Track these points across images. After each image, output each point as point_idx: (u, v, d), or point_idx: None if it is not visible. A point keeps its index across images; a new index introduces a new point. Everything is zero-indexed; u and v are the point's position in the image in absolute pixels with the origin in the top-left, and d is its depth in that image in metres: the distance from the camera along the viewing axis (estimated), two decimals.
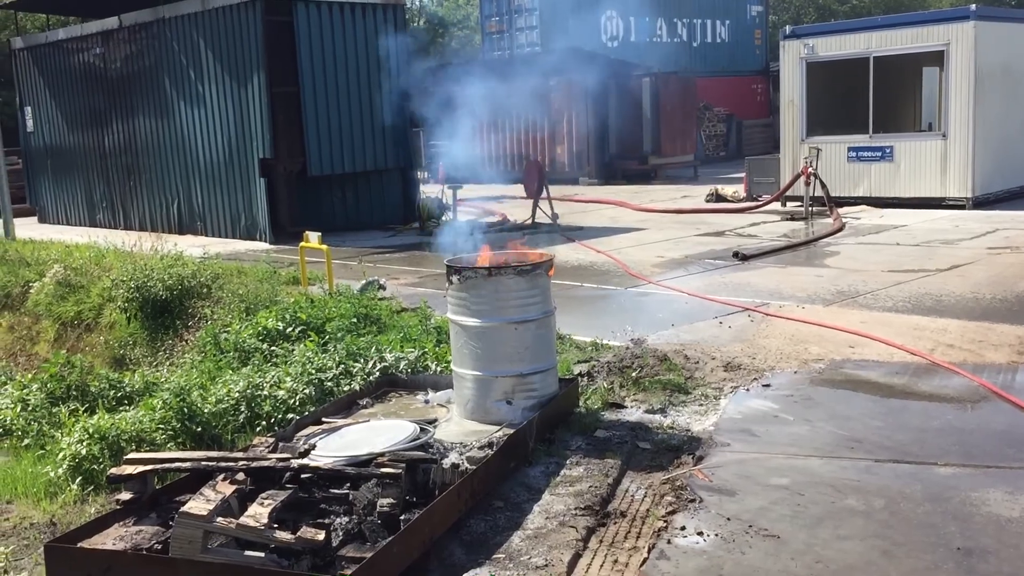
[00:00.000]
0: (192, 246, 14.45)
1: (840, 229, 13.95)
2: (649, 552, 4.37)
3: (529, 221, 16.17)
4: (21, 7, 26.48)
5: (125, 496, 4.64)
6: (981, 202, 15.74)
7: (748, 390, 6.65)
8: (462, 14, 49.33)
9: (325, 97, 16.01)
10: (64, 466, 5.96)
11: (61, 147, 21.04)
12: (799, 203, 16.26)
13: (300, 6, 15.65)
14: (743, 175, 19.18)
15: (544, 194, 16.08)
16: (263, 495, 4.34)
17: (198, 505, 4.12)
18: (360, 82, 16.45)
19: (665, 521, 4.66)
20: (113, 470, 4.73)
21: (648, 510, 4.87)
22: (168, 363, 9.79)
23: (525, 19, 30.86)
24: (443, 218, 16.82)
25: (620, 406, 6.46)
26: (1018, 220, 14.06)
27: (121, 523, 4.52)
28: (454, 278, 6.00)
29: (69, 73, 20.38)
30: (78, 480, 5.86)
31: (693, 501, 4.87)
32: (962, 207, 15.56)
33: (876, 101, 16.54)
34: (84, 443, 6.02)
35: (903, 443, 5.51)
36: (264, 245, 15.61)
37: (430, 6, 53.75)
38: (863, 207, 16.28)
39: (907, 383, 6.64)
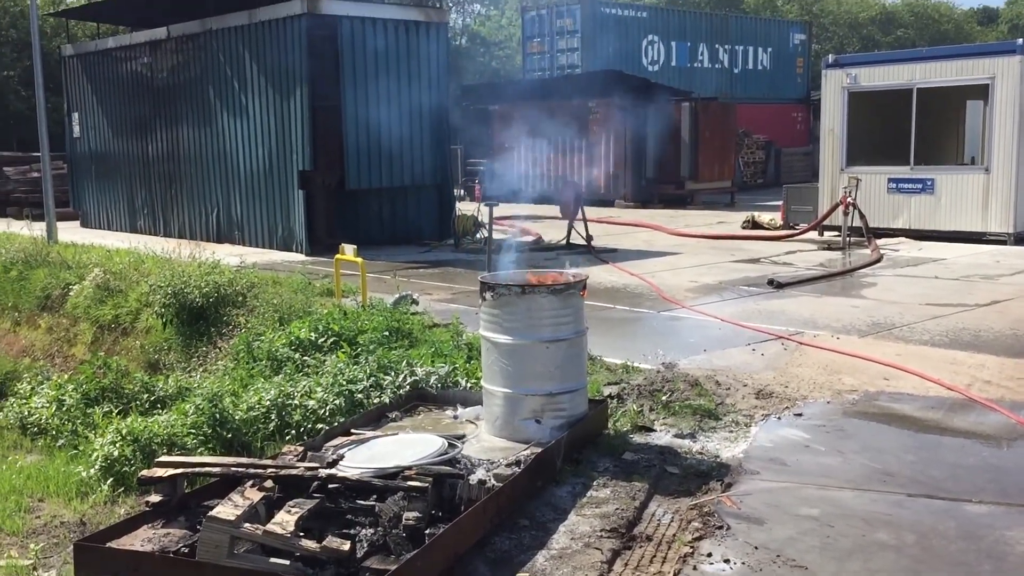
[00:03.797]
0: (229, 255, 14.61)
1: (878, 260, 13.81)
2: None
3: (564, 241, 16.18)
4: (73, 16, 27.10)
5: (155, 498, 4.69)
6: (1023, 238, 15.51)
7: (780, 418, 6.59)
8: (504, 34, 49.66)
9: (366, 112, 16.15)
10: (96, 466, 6.03)
11: (105, 153, 21.40)
12: (837, 233, 16.13)
13: (344, 21, 15.83)
14: (781, 203, 19.06)
15: (580, 215, 16.08)
16: (290, 503, 4.37)
17: (226, 510, 4.15)
18: (400, 98, 16.58)
19: (691, 547, 4.62)
20: (144, 472, 4.78)
21: (675, 535, 4.83)
22: (201, 369, 9.88)
23: (567, 40, 31.00)
24: (478, 236, 16.89)
25: (649, 429, 6.42)
26: None
27: (150, 525, 4.56)
28: (487, 295, 6.01)
29: (116, 81, 20.75)
30: (109, 481, 5.93)
31: (720, 528, 4.82)
32: (1003, 243, 15.34)
33: (918, 133, 16.39)
34: (117, 444, 6.09)
35: (937, 478, 5.42)
36: (300, 256, 15.75)
37: (473, 25, 54.18)
38: (902, 239, 16.12)
39: (942, 418, 6.54)
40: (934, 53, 17.36)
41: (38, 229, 17.74)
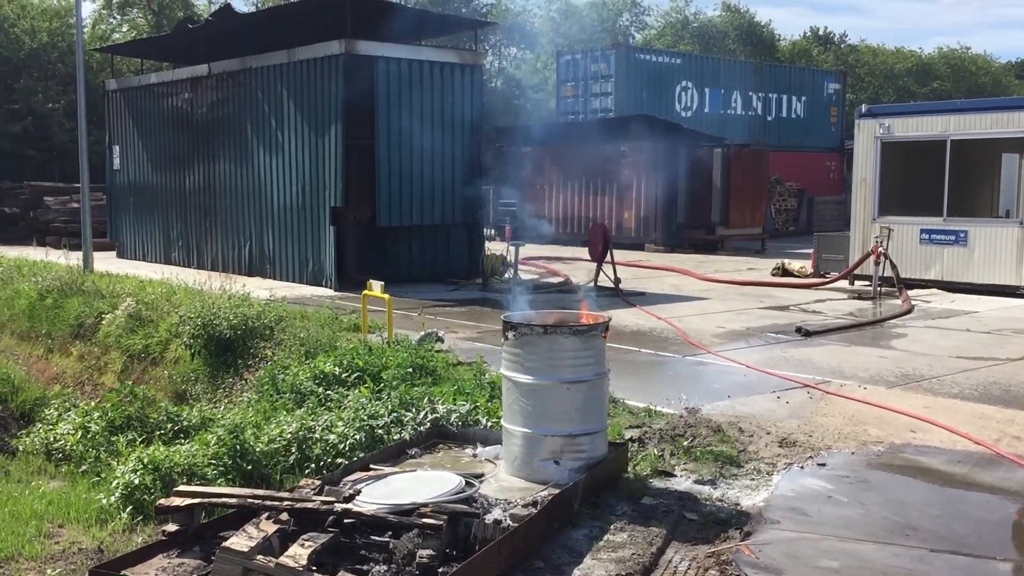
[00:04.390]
0: (259, 288, 14.76)
1: (909, 311, 13.68)
2: None
3: (592, 284, 16.18)
4: (119, 51, 27.73)
5: (171, 528, 4.72)
6: None
7: (802, 468, 6.51)
8: (539, 77, 50.14)
9: (399, 151, 16.36)
10: (117, 494, 6.08)
11: (144, 186, 21.79)
12: (867, 282, 16.00)
13: (381, 62, 16.09)
14: (812, 251, 18.97)
15: (608, 258, 16.09)
16: (304, 536, 4.37)
17: (240, 541, 4.16)
18: (434, 138, 16.76)
19: None
20: (161, 501, 4.82)
21: None
22: (227, 400, 9.96)
23: (601, 85, 31.24)
24: (506, 275, 16.95)
25: (669, 474, 6.37)
26: None
27: (165, 554, 4.59)
28: (510, 334, 6.03)
29: (157, 115, 21.19)
30: (129, 509, 5.97)
31: None
32: None
33: (951, 184, 16.29)
34: (138, 473, 6.15)
35: (961, 534, 5.33)
36: (329, 291, 15.87)
37: (509, 67, 54.78)
38: (934, 290, 15.95)
39: (969, 472, 6.43)
40: (968, 105, 17.30)
41: (75, 258, 18.05)
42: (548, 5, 56.91)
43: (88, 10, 42.18)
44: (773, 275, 18.52)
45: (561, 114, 32.63)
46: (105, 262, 19.91)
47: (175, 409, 8.09)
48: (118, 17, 43.13)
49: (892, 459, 6.71)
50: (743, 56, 48.82)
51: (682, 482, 6.23)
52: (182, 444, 6.89)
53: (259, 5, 43.38)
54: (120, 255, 22.61)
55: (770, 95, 34.79)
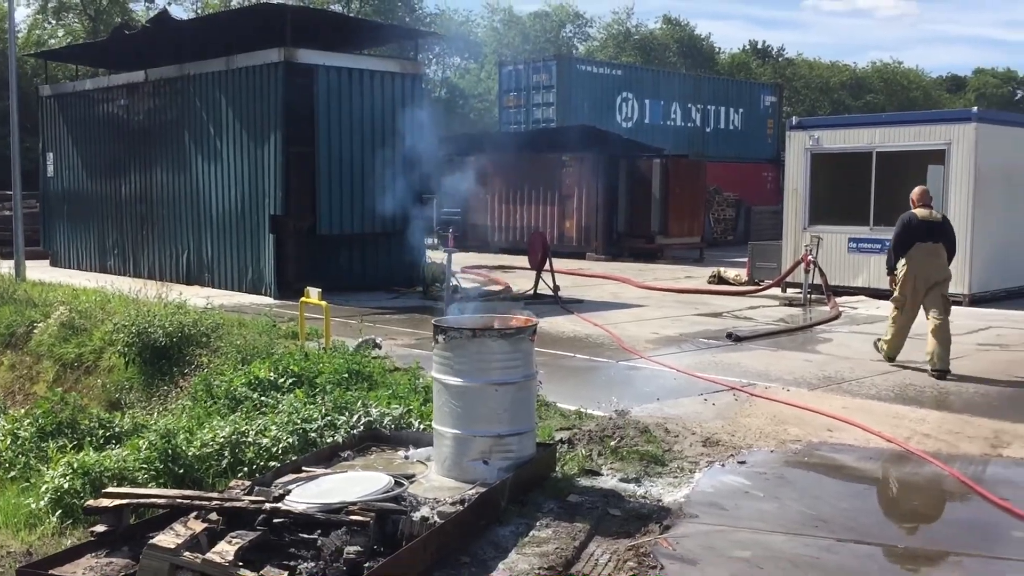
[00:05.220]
0: (197, 296, 14.69)
1: (836, 317, 14.11)
2: None
3: (531, 291, 16.38)
4: (53, 57, 27.33)
5: (100, 528, 4.77)
6: (978, 300, 15.87)
7: (723, 465, 6.76)
8: (483, 87, 50.43)
9: (339, 159, 16.41)
10: (46, 499, 6.09)
11: (78, 193, 21.50)
12: (798, 290, 16.44)
13: (321, 70, 16.14)
14: (747, 259, 19.42)
15: (547, 266, 16.32)
16: (232, 534, 4.47)
17: (167, 539, 4.25)
18: (375, 146, 16.86)
19: None
20: (90, 502, 4.87)
21: (610, 574, 4.96)
22: (162, 408, 9.93)
23: (543, 95, 31.61)
24: (446, 284, 17.07)
25: (596, 473, 6.56)
26: (1012, 319, 14.20)
27: (93, 554, 4.64)
28: (440, 337, 6.18)
29: (93, 122, 20.94)
30: (58, 513, 5.98)
31: (655, 568, 4.96)
32: (959, 303, 15.62)
33: (878, 194, 16.80)
34: (67, 477, 6.16)
35: (867, 525, 5.60)
36: (268, 299, 15.85)
37: (453, 77, 54.95)
38: (862, 297, 16.43)
39: (880, 468, 6.74)
40: (893, 118, 17.91)
41: (6, 267, 17.75)
42: (491, 15, 57.31)
43: (23, 15, 41.42)
44: (709, 283, 18.92)
45: (504, 124, 32.93)
46: (38, 271, 19.60)
47: (107, 415, 8.08)
48: (53, 22, 42.44)
49: (808, 456, 7.00)
50: (683, 68, 49.66)
51: (608, 481, 6.43)
52: (113, 449, 6.91)
53: (198, 12, 42.97)
54: (54, 264, 22.25)
55: (708, 107, 35.49)
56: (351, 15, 18.80)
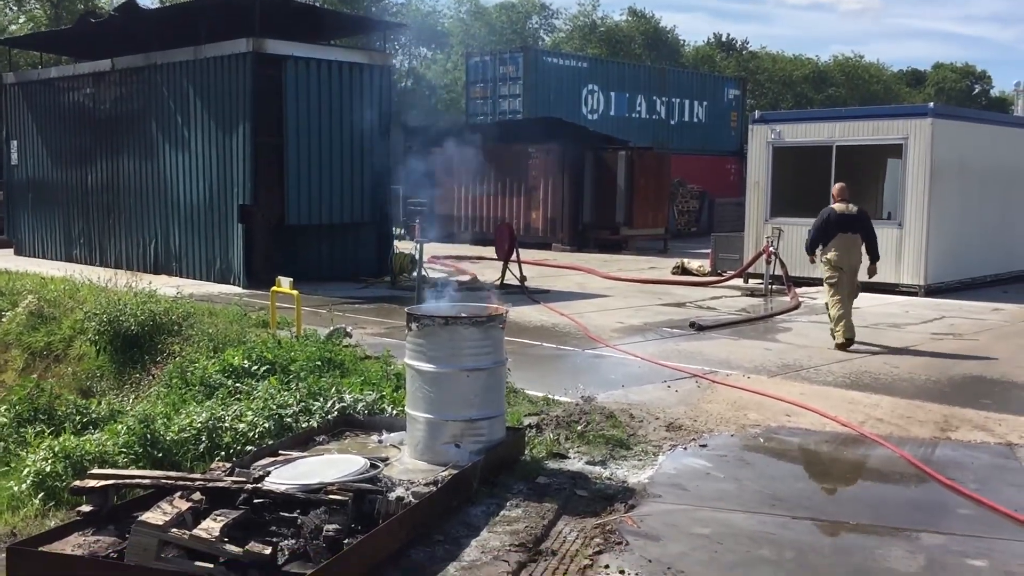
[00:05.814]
0: (166, 285, 14.72)
1: (796, 307, 14.49)
2: None
3: (498, 282, 16.61)
4: (16, 44, 27.03)
5: (86, 508, 4.93)
6: (933, 290, 16.34)
7: (686, 449, 7.03)
8: (450, 78, 50.48)
9: (308, 150, 16.50)
10: (28, 482, 6.22)
11: (43, 182, 21.36)
12: (760, 280, 16.82)
13: (290, 61, 16.20)
14: (710, 250, 19.79)
15: (514, 256, 16.54)
16: (216, 512, 4.65)
17: (155, 516, 4.42)
18: (343, 137, 16.96)
19: (591, 560, 5.00)
20: (76, 482, 5.03)
21: (578, 550, 5.20)
22: (134, 396, 10.03)
23: (509, 87, 31.79)
24: (414, 273, 17.24)
25: (563, 456, 6.81)
26: (965, 309, 14.67)
27: (81, 533, 4.80)
28: (413, 325, 6.38)
29: (58, 110, 20.80)
30: (40, 496, 6.12)
31: (620, 544, 5.21)
32: (915, 294, 16.16)
33: None
34: (49, 461, 6.30)
35: (820, 503, 5.91)
36: (237, 289, 15.92)
37: (419, 67, 54.91)
38: (821, 288, 16.83)
39: (834, 451, 7.05)
40: (852, 113, 18.30)
41: None
42: (458, 6, 57.30)
43: None
44: (673, 274, 19.26)
45: (470, 115, 33.07)
46: (3, 259, 19.51)
47: (83, 402, 8.20)
48: (15, 8, 41.85)
49: (767, 440, 7.30)
50: (649, 61, 50.05)
51: (575, 463, 6.68)
52: (92, 435, 7.04)
53: (164, 1, 42.60)
54: (18, 252, 22.10)
55: (673, 99, 35.88)
56: (319, 5, 18.82)
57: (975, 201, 17.40)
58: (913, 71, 74.98)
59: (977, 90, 73.56)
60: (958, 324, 13.21)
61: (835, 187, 11.80)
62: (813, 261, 12.16)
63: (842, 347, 10.96)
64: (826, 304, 11.48)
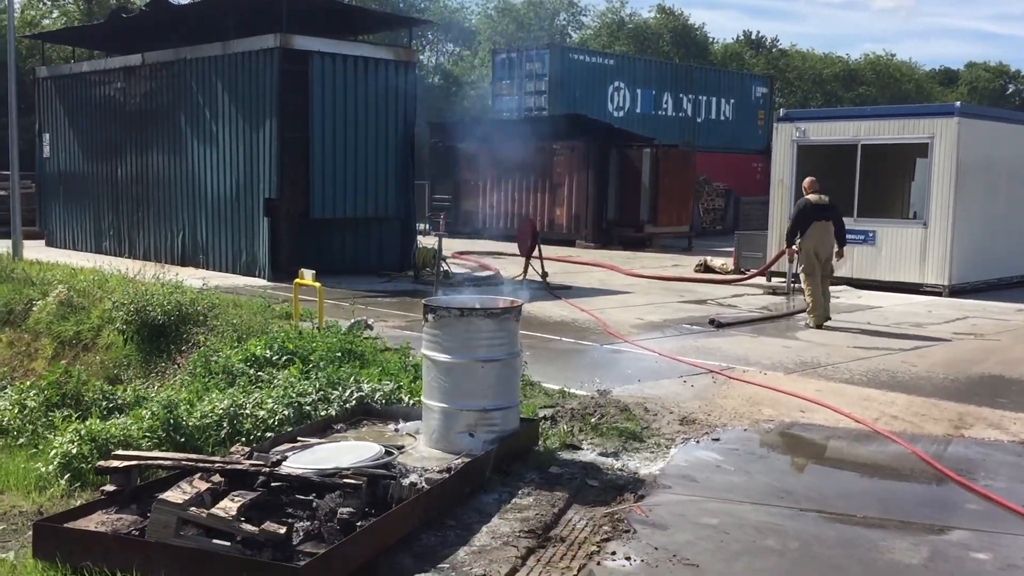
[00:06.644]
0: (192, 277, 14.98)
1: None
2: (579, 571, 4.81)
3: (520, 277, 16.70)
4: (50, 39, 27.46)
5: (109, 488, 5.09)
6: (958, 291, 16.26)
7: (698, 442, 7.11)
8: (476, 74, 50.60)
9: (333, 144, 16.69)
10: (55, 463, 6.41)
11: (74, 174, 21.73)
12: (783, 279, 16.80)
13: (316, 57, 16.40)
14: (734, 248, 19.77)
15: (536, 252, 16.64)
16: (233, 493, 4.80)
17: (175, 495, 4.58)
18: (368, 132, 17.13)
19: (598, 546, 5.10)
20: (101, 462, 5.19)
21: (586, 537, 5.30)
22: (159, 384, 10.24)
23: (535, 84, 31.86)
24: (437, 266, 17.39)
25: (577, 447, 6.91)
26: (989, 310, 14.59)
27: (104, 511, 4.97)
28: (429, 316, 6.51)
29: (89, 104, 21.15)
30: (67, 476, 6.31)
31: (627, 532, 5.31)
32: (939, 294, 16.09)
33: (862, 186, 17.17)
34: (75, 443, 6.48)
35: (829, 497, 5.96)
36: (262, 281, 16.14)
37: (446, 64, 55.10)
38: (844, 287, 16.80)
39: (846, 446, 7.10)
40: (878, 112, 18.22)
41: (3, 246, 17.99)
42: (485, 3, 57.42)
43: None
44: (696, 271, 19.27)
45: (497, 111, 33.17)
46: (34, 250, 19.85)
47: (110, 388, 8.40)
48: (48, 3, 42.45)
49: (779, 435, 7.36)
50: (677, 58, 49.92)
51: (587, 454, 6.78)
52: (118, 419, 7.23)
53: None
54: (49, 244, 22.50)
55: (700, 97, 35.80)
56: (346, 2, 18.99)
57: (1001, 201, 17.30)
58: (946, 70, 74.20)
59: (1011, 90, 72.67)
60: (980, 324, 13.15)
61: (806, 180, 13.03)
62: (792, 249, 12.98)
63: (818, 327, 12.17)
64: (803, 290, 12.66)
